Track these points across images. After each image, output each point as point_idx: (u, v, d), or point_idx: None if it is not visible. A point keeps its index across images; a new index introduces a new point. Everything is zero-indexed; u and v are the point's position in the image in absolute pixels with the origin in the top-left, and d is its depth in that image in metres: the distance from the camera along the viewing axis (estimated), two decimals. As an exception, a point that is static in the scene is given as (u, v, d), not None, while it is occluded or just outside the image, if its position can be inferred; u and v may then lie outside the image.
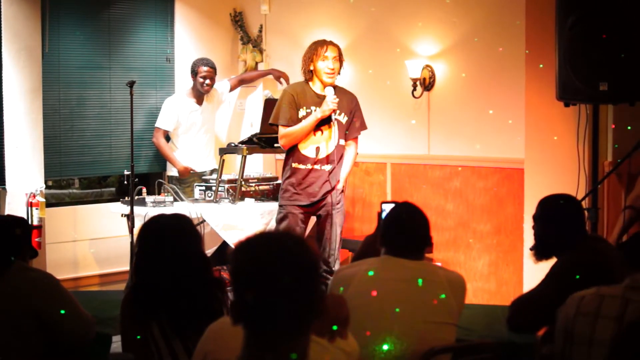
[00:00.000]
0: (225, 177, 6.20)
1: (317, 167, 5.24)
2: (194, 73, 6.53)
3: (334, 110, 5.16)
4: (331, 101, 5.12)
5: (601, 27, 4.42)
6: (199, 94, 6.60)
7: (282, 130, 5.27)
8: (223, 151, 6.26)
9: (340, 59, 5.28)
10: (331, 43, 5.30)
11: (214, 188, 6.09)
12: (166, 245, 2.97)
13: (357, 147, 5.45)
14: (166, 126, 6.55)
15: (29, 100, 6.01)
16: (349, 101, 5.33)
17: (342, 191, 5.38)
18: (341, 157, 5.33)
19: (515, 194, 5.61)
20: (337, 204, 5.29)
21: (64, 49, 6.36)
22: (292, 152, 5.29)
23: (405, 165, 6.30)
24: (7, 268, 3.18)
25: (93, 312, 3.44)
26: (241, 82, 7.01)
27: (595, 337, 2.55)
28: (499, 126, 5.77)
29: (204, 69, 6.50)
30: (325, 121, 5.21)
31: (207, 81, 6.52)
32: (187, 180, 6.56)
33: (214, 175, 6.28)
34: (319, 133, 5.22)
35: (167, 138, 6.65)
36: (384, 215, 3.25)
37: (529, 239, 4.45)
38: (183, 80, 6.89)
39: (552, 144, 5.11)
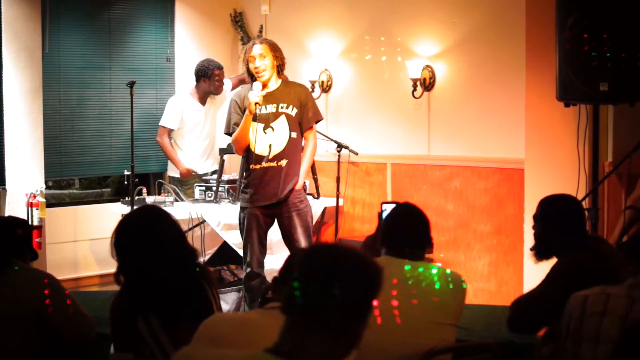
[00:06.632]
0: (225, 177, 6.20)
1: (272, 163, 5.10)
2: (208, 76, 6.51)
3: (257, 104, 4.95)
4: (254, 94, 4.93)
5: (601, 27, 4.42)
6: (204, 96, 6.60)
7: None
8: (223, 151, 6.26)
9: (272, 53, 5.05)
10: (258, 42, 5.11)
11: (214, 188, 6.10)
12: (139, 242, 2.88)
13: (316, 138, 5.28)
14: (171, 124, 6.54)
15: (29, 100, 6.01)
16: (297, 93, 5.18)
17: (304, 189, 5.23)
18: (299, 150, 5.19)
19: (516, 194, 5.61)
20: (298, 204, 5.13)
21: (64, 49, 6.36)
22: (247, 154, 5.13)
23: (405, 165, 6.30)
24: (8, 268, 3.19)
25: (93, 312, 3.45)
26: (241, 82, 7.00)
27: (602, 335, 2.57)
28: (499, 126, 5.77)
29: (217, 71, 6.54)
30: (273, 117, 5.08)
31: (221, 83, 6.60)
32: (187, 181, 6.55)
33: (215, 176, 6.28)
34: (269, 130, 5.09)
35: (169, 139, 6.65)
36: (384, 215, 3.26)
37: (529, 239, 4.45)
38: (183, 81, 6.88)
39: (552, 144, 5.11)
